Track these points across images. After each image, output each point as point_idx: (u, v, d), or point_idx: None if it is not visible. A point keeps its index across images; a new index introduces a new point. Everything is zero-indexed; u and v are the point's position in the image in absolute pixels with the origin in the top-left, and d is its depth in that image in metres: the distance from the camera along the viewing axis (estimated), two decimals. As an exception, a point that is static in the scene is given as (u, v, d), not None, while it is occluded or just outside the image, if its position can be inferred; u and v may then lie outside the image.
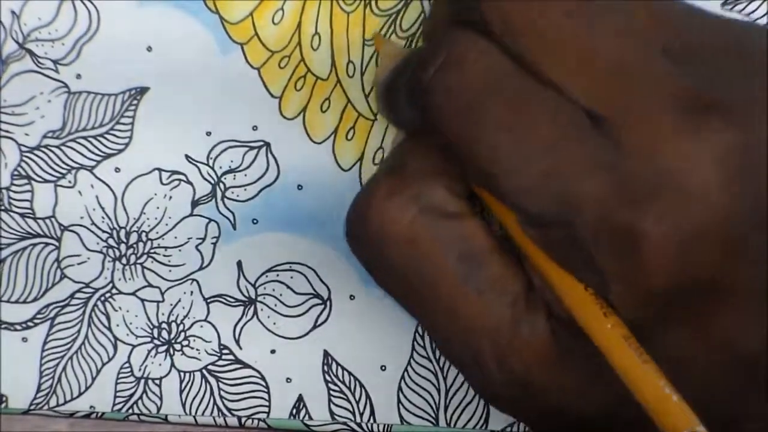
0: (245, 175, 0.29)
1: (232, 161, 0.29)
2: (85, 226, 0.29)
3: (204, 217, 0.29)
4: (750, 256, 0.19)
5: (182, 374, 0.30)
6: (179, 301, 0.30)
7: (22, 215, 0.29)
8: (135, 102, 0.28)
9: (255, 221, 0.29)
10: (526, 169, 0.20)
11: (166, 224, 0.29)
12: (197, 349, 0.30)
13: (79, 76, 0.28)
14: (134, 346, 0.30)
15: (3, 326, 0.30)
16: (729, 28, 0.21)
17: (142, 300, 0.30)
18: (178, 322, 0.30)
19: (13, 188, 0.29)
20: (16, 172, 0.29)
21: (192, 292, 0.30)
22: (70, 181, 0.29)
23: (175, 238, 0.29)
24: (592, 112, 0.19)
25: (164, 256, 0.29)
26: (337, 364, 0.30)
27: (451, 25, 0.21)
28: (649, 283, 0.19)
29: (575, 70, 0.20)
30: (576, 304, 0.20)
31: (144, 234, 0.29)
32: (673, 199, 0.19)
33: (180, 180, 0.29)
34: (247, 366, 0.30)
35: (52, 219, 0.29)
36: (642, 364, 0.19)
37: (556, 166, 0.19)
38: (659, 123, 0.19)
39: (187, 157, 0.29)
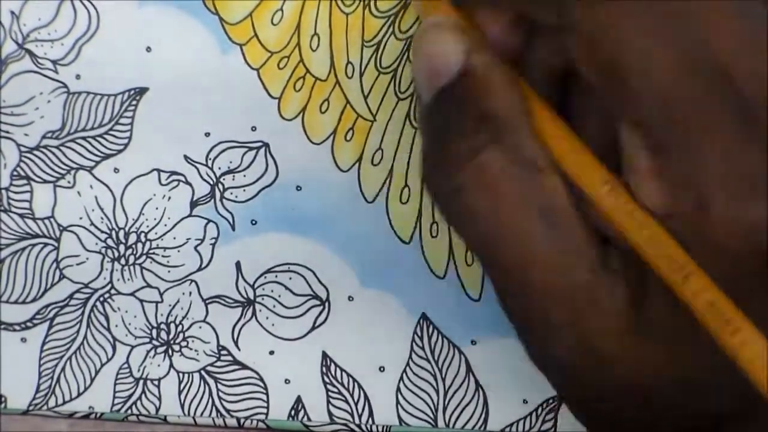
0: (244, 175, 0.29)
1: (231, 162, 0.29)
2: (84, 227, 0.29)
3: (203, 217, 0.29)
4: None
5: (181, 375, 0.30)
6: (178, 301, 0.30)
7: (21, 215, 0.29)
8: (134, 102, 0.28)
9: (254, 222, 0.29)
10: (674, 87, 0.19)
11: (165, 225, 0.29)
12: (196, 350, 0.30)
13: (78, 77, 0.28)
14: (133, 347, 0.30)
15: (2, 326, 0.30)
16: None
17: (141, 300, 0.30)
18: (177, 322, 0.30)
19: (13, 188, 0.29)
20: (15, 173, 0.29)
21: (191, 293, 0.30)
22: (69, 182, 0.29)
23: (174, 238, 0.29)
24: (722, 68, 0.19)
25: (163, 256, 0.29)
26: (336, 365, 0.30)
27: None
28: (750, 240, 0.19)
29: (717, 30, 0.19)
30: (657, 252, 0.20)
31: (143, 234, 0.29)
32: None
33: (179, 180, 0.29)
34: (245, 367, 0.30)
35: (51, 219, 0.29)
36: (741, 324, 0.19)
37: (696, 103, 0.19)
38: None
39: (186, 157, 0.29)
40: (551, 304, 0.21)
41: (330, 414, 0.30)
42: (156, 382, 0.30)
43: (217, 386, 0.30)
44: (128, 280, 0.30)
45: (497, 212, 0.21)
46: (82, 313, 0.30)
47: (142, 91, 0.28)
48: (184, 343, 0.30)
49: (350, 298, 0.29)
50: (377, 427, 0.30)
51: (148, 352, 0.30)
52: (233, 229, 0.29)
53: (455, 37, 0.22)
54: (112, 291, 0.30)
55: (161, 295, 0.30)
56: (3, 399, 0.30)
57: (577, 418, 0.23)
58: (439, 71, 0.22)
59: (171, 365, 0.30)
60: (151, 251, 0.29)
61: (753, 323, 0.19)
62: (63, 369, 0.30)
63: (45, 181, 0.29)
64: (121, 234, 0.29)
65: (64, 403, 0.30)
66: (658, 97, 0.19)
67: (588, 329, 0.21)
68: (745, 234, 0.19)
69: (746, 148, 0.19)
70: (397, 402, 0.30)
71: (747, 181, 0.19)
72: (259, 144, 0.29)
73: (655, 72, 0.19)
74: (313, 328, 0.30)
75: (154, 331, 0.30)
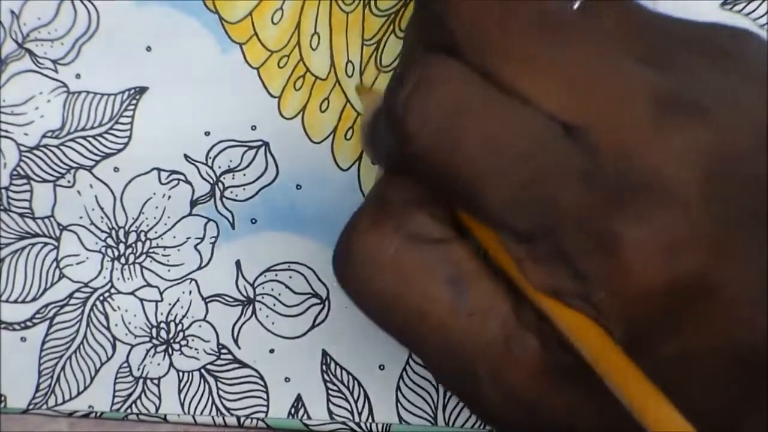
0: (244, 174, 0.29)
1: (231, 161, 0.29)
2: (83, 226, 0.29)
3: (203, 216, 0.29)
4: (737, 254, 0.19)
5: (181, 374, 0.30)
6: (178, 300, 0.30)
7: (21, 215, 0.29)
8: (134, 102, 0.28)
9: (254, 221, 0.29)
10: (505, 183, 0.20)
11: (165, 224, 0.29)
12: (196, 349, 0.30)
13: (78, 76, 0.28)
14: (133, 346, 0.30)
15: (2, 326, 0.30)
16: (692, 28, 0.21)
17: (141, 299, 0.30)
18: (177, 321, 0.30)
19: (12, 188, 0.29)
20: (15, 172, 0.29)
21: (191, 292, 0.30)
22: (69, 181, 0.29)
23: (174, 237, 0.29)
24: (565, 122, 0.20)
25: (163, 255, 0.30)
26: (336, 363, 0.30)
27: (421, 47, 0.21)
28: (633, 286, 0.19)
29: (545, 82, 0.20)
30: (571, 328, 0.20)
31: (143, 233, 0.29)
32: (650, 201, 0.19)
33: (179, 179, 0.29)
34: (245, 365, 0.30)
35: (51, 219, 0.29)
36: (644, 385, 0.19)
37: (533, 175, 0.19)
38: (632, 126, 0.19)
39: (186, 156, 0.29)
40: (473, 365, 0.22)
41: (330, 412, 0.30)
42: (156, 381, 0.30)
43: (217, 385, 0.30)
44: (128, 279, 0.30)
45: (403, 291, 0.22)
46: (82, 313, 0.30)
47: (142, 90, 0.28)
48: (184, 342, 0.30)
49: (350, 297, 0.30)
50: (377, 425, 0.30)
51: (148, 351, 0.30)
52: (233, 227, 0.29)
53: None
54: (112, 290, 0.30)
55: (161, 294, 0.30)
56: (3, 398, 0.30)
57: None
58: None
59: (171, 364, 0.30)
60: (151, 250, 0.29)
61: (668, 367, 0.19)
62: (63, 368, 0.30)
63: (45, 181, 0.29)
64: (121, 233, 0.29)
65: (64, 402, 0.31)
66: (496, 193, 0.20)
67: (510, 380, 0.21)
68: (629, 289, 0.19)
69: (596, 207, 0.19)
70: (397, 400, 0.30)
71: (607, 240, 0.19)
72: (259, 143, 0.29)
73: (483, 169, 0.20)
74: (313, 326, 0.30)
75: (154, 330, 0.30)
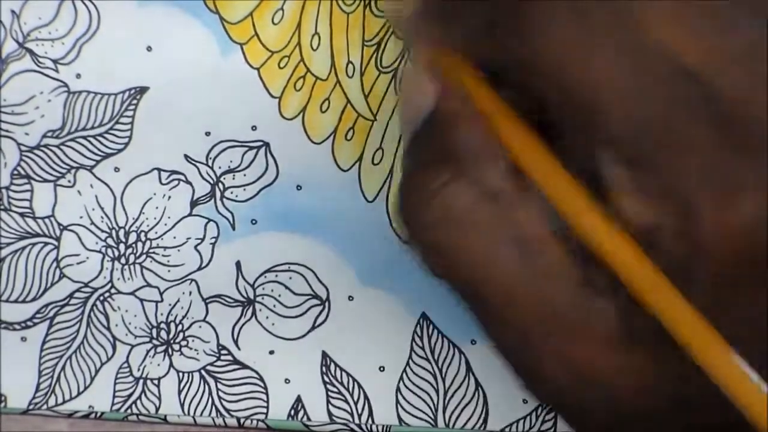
0: (244, 175, 0.29)
1: (231, 161, 0.29)
2: (84, 226, 0.29)
3: (203, 217, 0.29)
4: None
5: (181, 374, 0.30)
6: (178, 301, 0.30)
7: (22, 215, 0.29)
8: (134, 102, 0.28)
9: (254, 221, 0.29)
10: (633, 96, 0.19)
11: (165, 224, 0.29)
12: (196, 350, 0.30)
13: (78, 76, 0.28)
14: (133, 346, 0.30)
15: (2, 326, 0.30)
16: None
17: (141, 300, 0.30)
18: (177, 322, 0.30)
19: (13, 188, 0.29)
20: (15, 172, 0.29)
21: (191, 293, 0.30)
22: (69, 181, 0.29)
23: (174, 238, 0.29)
24: (689, 68, 0.19)
25: (163, 256, 0.29)
26: (336, 364, 0.30)
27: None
28: (738, 243, 0.19)
29: (675, 28, 0.19)
30: (642, 279, 0.20)
31: (143, 234, 0.29)
32: None
33: (179, 180, 0.29)
34: (245, 366, 0.30)
35: (52, 218, 0.29)
36: (730, 358, 0.19)
37: (664, 107, 0.19)
38: (758, 80, 0.19)
39: (186, 157, 0.29)
40: (538, 333, 0.21)
41: (330, 414, 0.30)
42: (156, 382, 0.30)
43: (217, 386, 0.30)
44: (128, 279, 0.30)
45: (469, 247, 0.21)
46: (82, 313, 0.30)
47: (142, 90, 0.28)
48: (184, 343, 0.30)
49: (350, 298, 0.29)
50: (377, 426, 0.30)
51: (148, 351, 0.30)
52: (233, 228, 0.29)
53: (426, 83, 0.22)
54: (112, 290, 0.30)
55: (161, 294, 0.30)
56: (3, 398, 0.30)
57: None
58: (414, 114, 0.22)
59: (171, 365, 0.30)
60: (151, 250, 0.29)
61: (745, 328, 0.19)
62: (63, 368, 0.30)
63: (45, 180, 0.29)
64: (122, 233, 0.29)
65: (64, 402, 0.30)
66: (625, 111, 0.19)
67: (577, 353, 0.21)
68: (735, 235, 0.19)
69: (722, 149, 0.19)
70: (397, 402, 0.30)
71: (729, 182, 0.19)
72: (260, 143, 0.29)
73: (616, 87, 0.19)
74: (313, 327, 0.30)
75: (154, 331, 0.30)
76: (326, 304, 0.30)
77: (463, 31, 0.22)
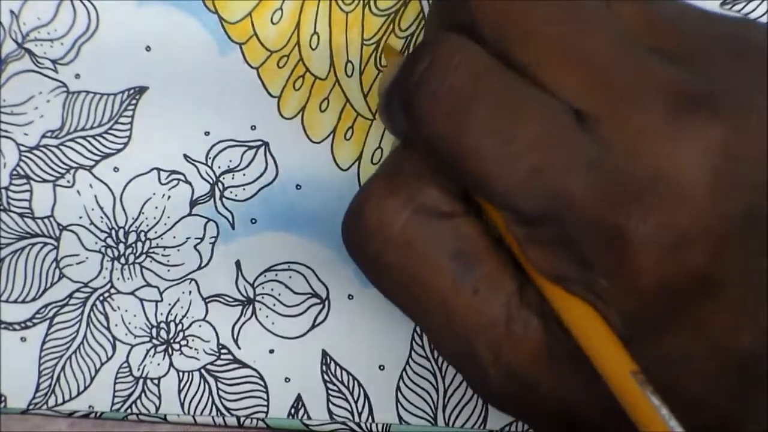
0: (244, 174, 0.29)
1: (230, 161, 0.29)
2: (83, 226, 0.29)
3: (202, 216, 0.29)
4: (739, 253, 0.19)
5: (181, 374, 0.30)
6: (178, 300, 0.30)
7: (21, 215, 0.29)
8: (134, 102, 0.28)
9: (253, 221, 0.29)
10: (513, 168, 0.20)
11: (165, 224, 0.29)
12: (196, 349, 0.30)
13: (78, 76, 0.28)
14: (133, 346, 0.30)
15: (2, 326, 0.30)
16: (717, 24, 0.21)
17: (141, 300, 0.30)
18: (177, 321, 0.30)
19: (12, 188, 0.29)
20: (14, 172, 0.29)
21: (190, 292, 0.30)
22: (68, 181, 0.29)
23: (174, 237, 0.29)
24: (579, 111, 0.19)
25: (163, 255, 0.29)
26: (336, 363, 0.30)
27: (439, 28, 0.21)
28: (638, 280, 0.19)
29: (563, 70, 0.20)
30: (570, 315, 0.20)
31: (142, 233, 0.29)
32: (659, 197, 0.19)
33: (178, 179, 0.29)
34: (245, 366, 0.30)
35: (51, 219, 0.29)
36: (629, 379, 0.19)
37: (542, 163, 0.19)
38: (645, 120, 0.19)
39: (185, 156, 0.29)
40: (474, 341, 0.22)
41: (330, 412, 0.30)
42: (156, 381, 0.30)
43: (217, 385, 0.30)
44: (128, 279, 0.30)
45: (410, 264, 0.22)
46: (82, 313, 0.30)
47: (141, 90, 0.28)
48: (183, 342, 0.30)
49: (350, 297, 0.29)
50: (377, 425, 0.30)
51: (148, 351, 0.30)
52: (233, 227, 0.29)
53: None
54: (112, 290, 0.30)
55: (161, 294, 0.30)
56: (3, 398, 0.30)
57: None
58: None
59: (171, 364, 0.30)
60: (150, 250, 0.29)
61: (655, 365, 0.20)
62: (63, 368, 0.30)
63: (44, 181, 0.29)
64: (121, 233, 0.29)
65: (64, 402, 0.30)
66: (501, 175, 0.20)
67: (510, 358, 0.21)
68: (632, 293, 0.19)
69: (607, 203, 0.19)
70: (397, 400, 0.30)
71: (617, 238, 0.19)
72: (259, 143, 0.29)
73: (487, 152, 0.20)
74: (313, 326, 0.30)
75: (154, 330, 0.30)
76: (326, 303, 0.30)
77: (394, 125, 0.23)
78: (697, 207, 0.19)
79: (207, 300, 0.30)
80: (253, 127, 0.28)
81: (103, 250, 0.30)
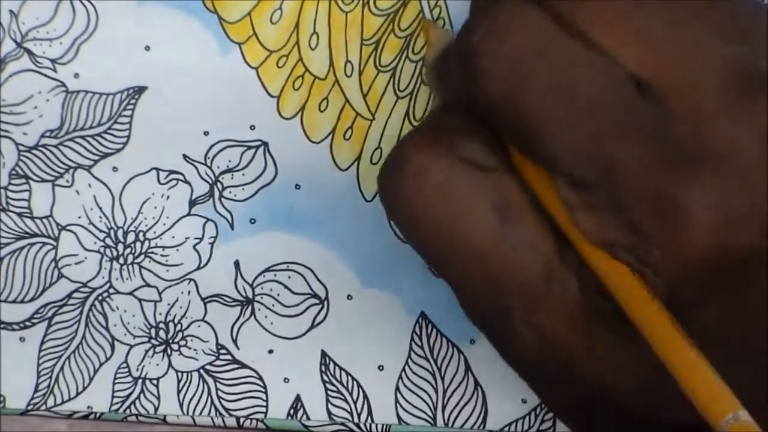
0: (243, 174, 0.29)
1: (229, 161, 0.29)
2: (82, 226, 0.29)
3: (202, 216, 0.29)
4: None
5: (180, 374, 0.30)
6: (177, 300, 0.30)
7: (20, 215, 0.29)
8: (133, 101, 0.28)
9: (253, 221, 0.29)
10: (573, 132, 0.20)
11: (164, 224, 0.29)
12: (195, 349, 0.30)
13: (77, 76, 0.28)
14: (132, 346, 0.30)
15: (1, 326, 0.30)
16: (759, 6, 0.21)
17: (140, 300, 0.30)
18: (176, 321, 0.30)
19: (11, 188, 0.29)
20: (13, 172, 0.29)
21: (189, 292, 0.30)
22: (67, 181, 0.29)
23: (173, 237, 0.29)
24: (640, 79, 0.19)
25: (162, 255, 0.29)
26: (335, 364, 0.30)
27: None
28: (689, 251, 0.19)
29: (626, 38, 0.20)
30: (617, 282, 0.20)
31: (141, 233, 0.29)
32: (719, 173, 0.19)
33: (178, 179, 0.29)
34: (244, 366, 0.30)
35: (50, 218, 0.29)
36: (684, 345, 0.19)
37: (603, 128, 0.19)
38: (710, 95, 0.19)
39: (184, 156, 0.29)
40: (509, 298, 0.21)
41: (329, 413, 0.30)
42: (155, 382, 0.30)
43: (216, 385, 0.30)
44: (127, 279, 0.30)
45: (449, 212, 0.21)
46: (81, 313, 0.30)
47: (140, 89, 0.28)
48: (182, 342, 0.30)
49: (349, 297, 0.29)
50: (376, 426, 0.30)
51: (147, 351, 0.30)
52: (232, 227, 0.29)
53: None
54: (111, 290, 0.30)
55: (160, 294, 0.30)
56: (2, 399, 0.30)
57: (563, 422, 0.23)
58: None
59: (170, 364, 0.30)
60: (149, 250, 0.29)
61: (701, 335, 0.19)
62: (62, 368, 0.30)
63: (44, 180, 0.29)
64: (120, 233, 0.29)
65: (63, 402, 0.30)
66: (561, 136, 0.20)
67: (545, 320, 0.21)
68: (684, 262, 0.19)
69: (665, 170, 0.19)
70: (397, 401, 0.30)
71: (672, 205, 0.19)
72: (258, 143, 0.29)
73: (549, 111, 0.20)
74: (312, 326, 0.30)
75: (153, 331, 0.30)
76: (325, 303, 0.30)
77: (447, 85, 0.23)
78: (755, 186, 0.19)
79: (206, 300, 0.30)
80: (253, 127, 0.28)
81: (102, 250, 0.29)
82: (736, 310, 0.20)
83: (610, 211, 0.20)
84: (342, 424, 0.30)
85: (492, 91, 0.20)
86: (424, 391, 0.30)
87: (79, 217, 0.29)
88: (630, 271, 0.20)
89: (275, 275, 0.29)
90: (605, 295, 0.20)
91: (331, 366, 0.30)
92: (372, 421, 0.30)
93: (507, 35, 0.20)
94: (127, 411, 0.30)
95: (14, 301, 0.30)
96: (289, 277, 0.29)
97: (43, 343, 0.30)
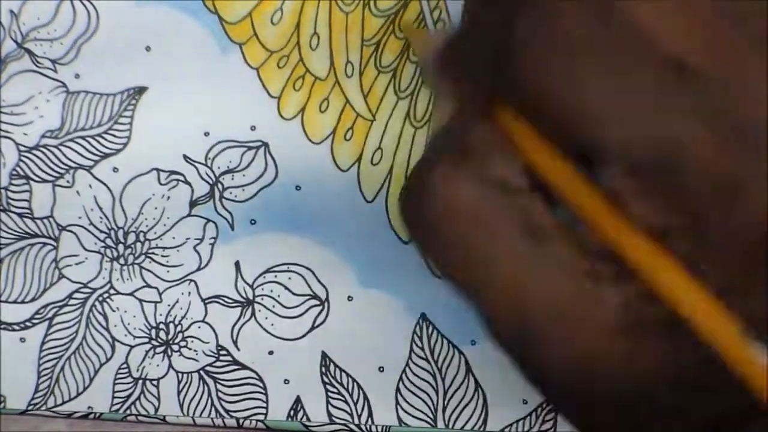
0: (243, 175, 0.29)
1: (230, 161, 0.29)
2: (83, 226, 0.29)
3: (202, 217, 0.29)
4: None
5: (180, 375, 0.30)
6: (177, 301, 0.30)
7: (21, 215, 0.29)
8: (133, 102, 0.28)
9: (253, 221, 0.29)
10: (628, 114, 0.19)
11: (164, 224, 0.29)
12: (195, 350, 0.30)
13: (77, 76, 0.28)
14: (132, 347, 0.30)
15: (1, 326, 0.30)
16: None
17: (140, 300, 0.30)
18: (176, 322, 0.30)
19: (12, 188, 0.29)
20: (14, 172, 0.29)
21: (190, 293, 0.30)
22: (68, 181, 0.29)
23: (173, 238, 0.29)
24: (688, 62, 0.19)
25: (162, 256, 0.29)
26: (335, 365, 0.30)
27: None
28: (748, 234, 0.19)
29: (666, 21, 0.20)
30: (665, 277, 0.20)
31: (142, 234, 0.29)
32: None
33: (178, 180, 0.29)
34: (244, 367, 0.30)
35: (50, 219, 0.29)
36: (739, 338, 0.19)
37: (656, 110, 0.19)
38: (753, 76, 0.19)
39: (185, 157, 0.29)
40: (541, 321, 0.21)
41: (329, 414, 0.30)
42: (155, 382, 0.30)
43: (216, 386, 0.30)
44: (127, 279, 0.30)
45: (479, 238, 0.21)
46: (81, 313, 0.30)
47: (141, 90, 0.28)
48: (183, 343, 0.30)
49: (350, 298, 0.29)
50: (377, 427, 0.30)
51: (147, 352, 0.30)
52: (232, 228, 0.29)
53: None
54: (111, 291, 0.30)
55: (160, 294, 0.30)
56: (2, 399, 0.30)
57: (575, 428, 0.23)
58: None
59: (170, 365, 0.30)
60: (150, 251, 0.29)
61: (758, 315, 0.19)
62: (62, 369, 0.30)
63: (44, 181, 0.29)
64: (120, 233, 0.29)
65: (63, 403, 0.30)
66: (618, 127, 0.20)
67: (580, 342, 0.21)
68: (741, 235, 0.19)
69: (717, 147, 0.19)
70: (397, 402, 0.30)
71: (728, 181, 0.19)
72: (259, 143, 0.29)
73: (604, 104, 0.20)
74: (313, 328, 0.30)
75: (153, 331, 0.30)
76: (325, 304, 0.30)
77: (473, 76, 0.22)
78: None
79: (206, 301, 0.30)
80: (253, 128, 0.28)
81: (102, 250, 0.29)
82: None
83: (668, 195, 0.20)
84: (342, 425, 0.30)
85: (541, 86, 0.20)
86: (425, 392, 0.30)
87: (80, 218, 0.29)
88: (678, 265, 0.20)
89: (275, 276, 0.29)
90: (652, 300, 0.20)
91: (332, 367, 0.30)
92: (372, 422, 0.30)
93: (550, 28, 0.20)
94: (127, 411, 0.30)
95: (15, 302, 0.30)
96: (290, 278, 0.29)
97: (43, 343, 0.30)
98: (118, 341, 0.30)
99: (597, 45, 0.20)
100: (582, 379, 0.21)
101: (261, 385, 0.30)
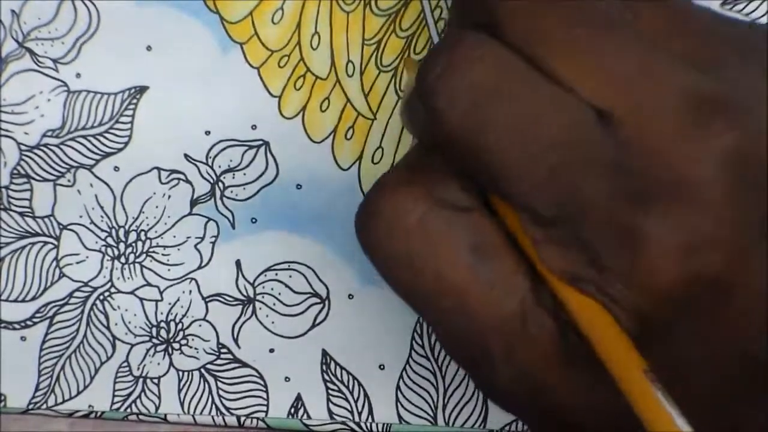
0: (244, 174, 0.29)
1: (231, 160, 0.29)
2: (84, 225, 0.29)
3: (203, 216, 0.29)
4: (754, 260, 0.19)
5: (181, 373, 0.30)
6: (178, 300, 0.30)
7: (21, 214, 0.29)
8: (134, 101, 0.28)
9: (254, 220, 0.29)
10: (533, 168, 0.20)
11: (165, 223, 0.29)
12: (196, 348, 0.30)
13: (78, 75, 0.28)
14: (133, 345, 0.30)
15: (2, 325, 0.30)
16: (728, 26, 0.21)
17: (141, 299, 0.30)
18: (177, 321, 0.30)
19: (13, 187, 0.29)
20: (15, 171, 0.29)
21: (191, 291, 0.30)
22: (69, 180, 0.29)
23: (174, 237, 0.29)
24: (600, 110, 0.20)
25: (163, 255, 0.30)
26: (336, 363, 0.30)
27: (460, 26, 0.21)
28: (652, 281, 0.19)
29: (585, 69, 0.20)
30: (585, 316, 0.20)
31: (143, 233, 0.29)
32: (678, 200, 0.19)
33: (179, 179, 0.29)
34: (245, 365, 0.30)
35: (51, 218, 0.29)
36: (647, 385, 0.19)
37: (562, 162, 0.19)
38: (666, 123, 0.19)
39: (186, 156, 0.29)
40: (487, 337, 0.21)
41: (330, 412, 0.30)
42: (156, 381, 0.30)
43: (216, 384, 0.30)
44: (128, 278, 0.30)
45: (426, 255, 0.21)
46: (82, 312, 0.30)
47: (142, 89, 0.28)
48: (183, 342, 0.30)
49: (350, 296, 0.29)
50: (377, 425, 0.30)
51: (148, 350, 0.30)
52: (233, 227, 0.29)
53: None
54: (112, 289, 0.30)
55: (161, 293, 0.30)
56: (3, 398, 0.30)
57: None
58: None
59: (171, 363, 0.30)
60: (151, 249, 0.29)
61: (667, 366, 0.20)
62: (63, 367, 0.30)
63: (45, 180, 0.29)
64: (121, 232, 0.29)
65: (64, 402, 0.30)
66: (521, 173, 0.20)
67: (523, 357, 0.21)
68: (644, 290, 0.19)
69: (624, 201, 0.19)
70: (397, 400, 0.30)
71: (631, 236, 0.19)
72: (260, 142, 0.29)
73: (509, 150, 0.20)
74: (313, 326, 0.30)
75: (154, 330, 0.30)
76: (326, 302, 0.30)
77: (416, 126, 0.23)
78: (715, 212, 0.19)
79: (207, 299, 0.30)
80: (254, 127, 0.29)
81: (103, 249, 0.30)
82: (708, 338, 0.20)
83: (573, 246, 0.20)
84: (343, 423, 0.30)
85: (451, 130, 0.20)
86: (425, 390, 0.30)
87: (81, 217, 0.29)
88: (595, 304, 0.20)
89: (276, 274, 0.30)
90: (580, 333, 0.21)
91: (332, 365, 0.30)
92: (372, 420, 0.30)
93: (465, 72, 0.20)
94: (128, 410, 0.30)
95: (15, 301, 0.30)
96: (290, 277, 0.29)
97: (44, 342, 0.30)
98: (118, 340, 0.30)
99: (511, 93, 0.20)
100: (526, 397, 0.22)
101: (262, 383, 0.30)
